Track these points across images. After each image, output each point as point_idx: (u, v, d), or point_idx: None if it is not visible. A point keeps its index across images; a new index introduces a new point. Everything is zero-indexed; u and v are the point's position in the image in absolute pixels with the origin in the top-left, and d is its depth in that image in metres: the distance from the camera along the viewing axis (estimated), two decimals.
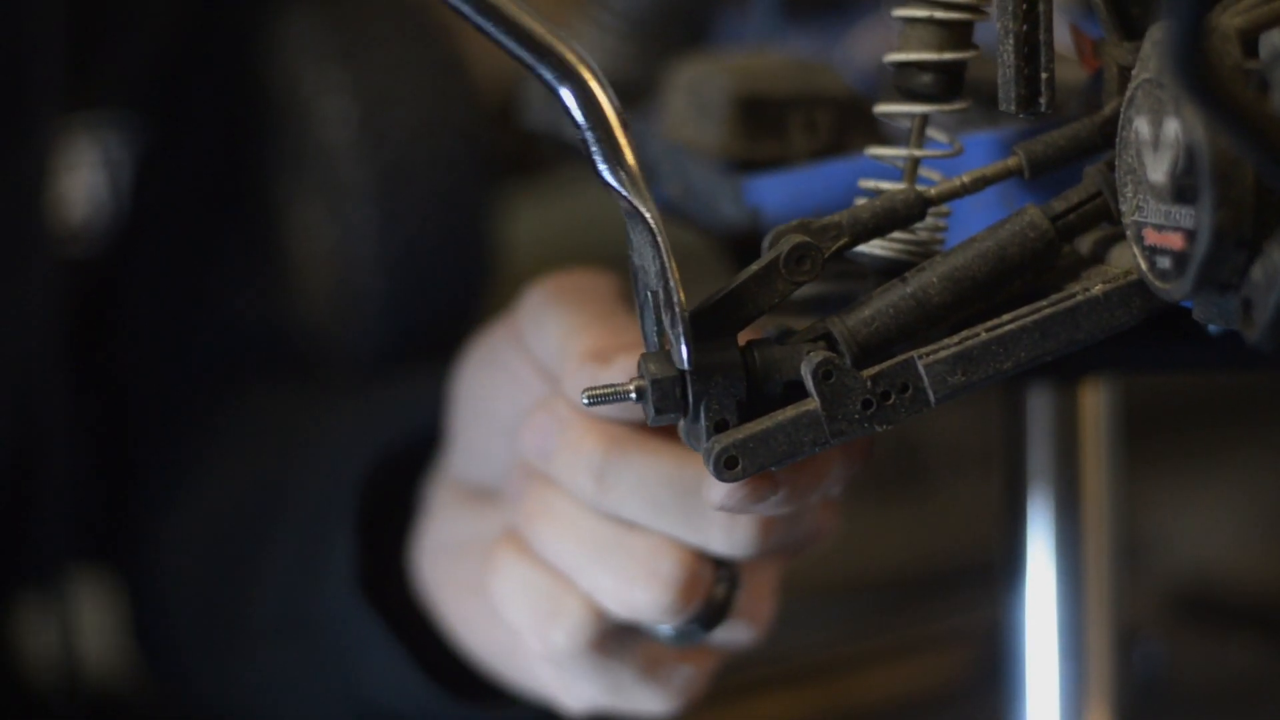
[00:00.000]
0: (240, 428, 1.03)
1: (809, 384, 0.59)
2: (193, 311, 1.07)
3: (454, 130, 1.13)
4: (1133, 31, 0.60)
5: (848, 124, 0.73)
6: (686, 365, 0.59)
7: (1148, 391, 1.28)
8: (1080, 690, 0.83)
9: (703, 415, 0.59)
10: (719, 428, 0.59)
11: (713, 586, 0.69)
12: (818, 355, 0.59)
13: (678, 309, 0.58)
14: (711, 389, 0.59)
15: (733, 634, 0.71)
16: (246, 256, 1.08)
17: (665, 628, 0.70)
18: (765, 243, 0.61)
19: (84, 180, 1.03)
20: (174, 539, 1.01)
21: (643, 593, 0.67)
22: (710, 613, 0.69)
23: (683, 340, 0.59)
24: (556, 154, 0.98)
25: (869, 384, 0.59)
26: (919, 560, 1.35)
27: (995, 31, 0.61)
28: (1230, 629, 1.25)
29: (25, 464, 1.01)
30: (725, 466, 0.59)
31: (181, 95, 1.06)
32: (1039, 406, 0.82)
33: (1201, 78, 0.43)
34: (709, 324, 0.59)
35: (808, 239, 0.60)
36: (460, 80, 1.13)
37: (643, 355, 0.61)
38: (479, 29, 0.58)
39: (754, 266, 0.60)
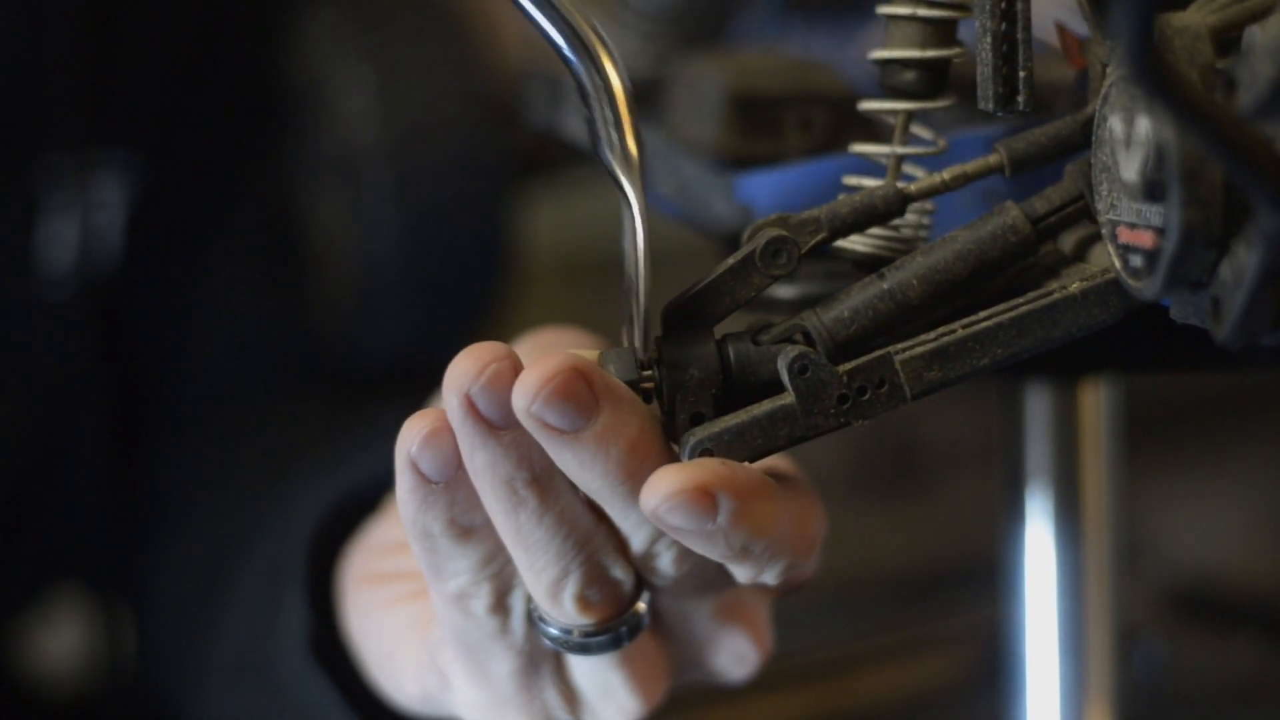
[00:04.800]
0: (235, 455, 1.03)
1: (785, 378, 0.59)
2: (201, 333, 1.07)
3: (471, 105, 1.13)
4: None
5: (843, 123, 0.73)
6: (641, 355, 0.59)
7: (1148, 391, 1.28)
8: (1080, 690, 0.82)
9: (678, 408, 0.59)
10: (695, 420, 0.59)
11: (636, 602, 0.64)
12: (794, 350, 0.59)
13: (641, 298, 0.58)
14: (687, 382, 0.59)
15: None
16: (259, 266, 1.08)
17: (593, 638, 0.64)
18: (744, 236, 0.61)
19: (78, 220, 1.03)
20: (166, 567, 1.01)
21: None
22: (631, 628, 0.64)
23: (639, 331, 0.58)
24: (571, 154, 0.99)
25: (845, 379, 0.59)
26: (919, 560, 1.35)
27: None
28: (1230, 629, 1.25)
29: (47, 482, 1.02)
30: (701, 459, 0.59)
31: (179, 122, 1.05)
32: (1039, 406, 0.81)
33: (1157, 78, 0.43)
34: (686, 317, 0.59)
35: (785, 233, 0.60)
36: (478, 56, 1.14)
37: (602, 352, 0.60)
38: None
39: (730, 260, 0.60)
